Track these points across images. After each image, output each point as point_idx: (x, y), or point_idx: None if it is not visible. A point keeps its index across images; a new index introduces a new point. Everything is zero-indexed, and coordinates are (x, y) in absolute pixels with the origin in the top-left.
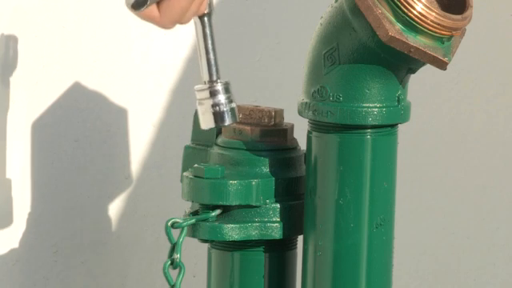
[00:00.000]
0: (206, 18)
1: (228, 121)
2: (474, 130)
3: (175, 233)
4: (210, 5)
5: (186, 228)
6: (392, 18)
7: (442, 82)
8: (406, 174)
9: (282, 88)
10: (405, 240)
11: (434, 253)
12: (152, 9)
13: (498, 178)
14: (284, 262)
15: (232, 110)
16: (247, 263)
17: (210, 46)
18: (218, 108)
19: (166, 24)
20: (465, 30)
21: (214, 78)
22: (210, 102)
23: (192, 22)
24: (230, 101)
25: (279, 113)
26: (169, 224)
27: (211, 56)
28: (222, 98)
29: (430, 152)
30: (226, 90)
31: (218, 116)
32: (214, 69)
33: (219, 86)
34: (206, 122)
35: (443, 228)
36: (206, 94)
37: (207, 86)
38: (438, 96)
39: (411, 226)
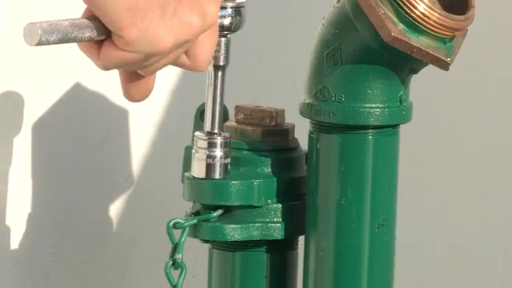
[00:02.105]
0: (220, 71)
1: (218, 175)
2: (474, 130)
3: (176, 233)
4: (227, 57)
5: (187, 228)
6: (394, 19)
7: (442, 82)
8: (405, 174)
9: (282, 88)
10: (405, 240)
11: (434, 253)
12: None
13: (498, 178)
14: (285, 262)
15: (225, 165)
16: (249, 263)
17: (218, 98)
18: (211, 161)
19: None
20: (466, 30)
21: (216, 130)
22: (206, 152)
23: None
24: (225, 156)
25: (280, 113)
26: (170, 224)
27: (217, 108)
28: (218, 152)
29: (430, 152)
30: (225, 144)
31: (210, 168)
32: (216, 121)
33: (218, 140)
34: (198, 170)
35: (443, 228)
36: (204, 144)
37: (207, 136)
38: (438, 96)
39: (411, 226)
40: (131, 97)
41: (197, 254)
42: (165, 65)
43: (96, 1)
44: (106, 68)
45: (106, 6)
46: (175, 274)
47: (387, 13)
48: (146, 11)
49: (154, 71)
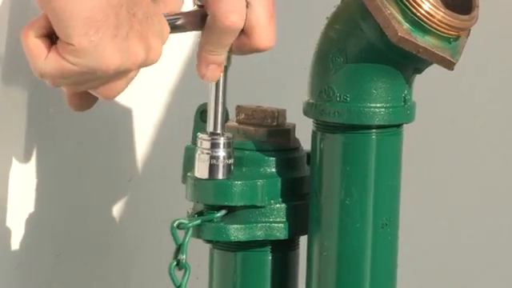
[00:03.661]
0: (222, 72)
1: (222, 176)
2: (476, 130)
3: (180, 234)
4: (230, 58)
5: (191, 229)
6: (400, 18)
7: (443, 81)
8: (407, 173)
9: (281, 88)
10: (407, 240)
11: (436, 253)
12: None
13: (500, 178)
14: (287, 262)
15: (228, 166)
16: (250, 263)
17: (220, 98)
18: (215, 161)
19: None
20: (470, 30)
21: (218, 131)
22: (209, 153)
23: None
24: (229, 156)
25: (282, 113)
26: (174, 225)
27: (219, 108)
28: (221, 152)
29: (432, 152)
30: (228, 144)
31: (213, 169)
32: (219, 121)
33: (221, 140)
34: (201, 171)
35: (445, 228)
36: (207, 144)
37: (210, 137)
38: (439, 96)
39: (414, 225)
40: (74, 107)
41: (200, 254)
42: (87, 88)
43: (54, 5)
44: (43, 73)
45: (64, 11)
46: (179, 274)
47: (393, 13)
48: (102, 25)
49: (78, 90)
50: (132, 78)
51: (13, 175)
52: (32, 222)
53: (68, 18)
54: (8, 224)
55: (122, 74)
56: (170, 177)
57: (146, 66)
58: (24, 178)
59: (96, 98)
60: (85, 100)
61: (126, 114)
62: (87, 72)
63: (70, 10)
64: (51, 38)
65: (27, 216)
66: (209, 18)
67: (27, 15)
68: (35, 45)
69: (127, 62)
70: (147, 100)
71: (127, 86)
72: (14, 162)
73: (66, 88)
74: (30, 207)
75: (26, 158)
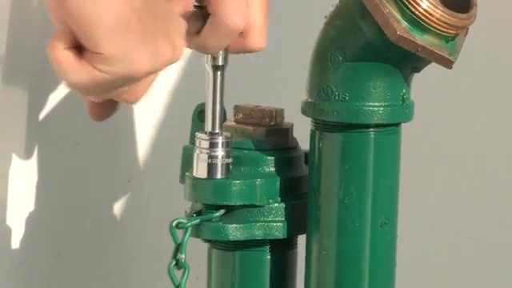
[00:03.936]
0: (219, 71)
1: (220, 175)
2: (475, 130)
3: (179, 233)
4: (226, 58)
5: (190, 228)
6: (399, 17)
7: (443, 81)
8: (406, 173)
9: (279, 88)
10: (407, 239)
11: (436, 252)
12: None
13: (500, 177)
14: (286, 262)
15: (227, 165)
16: (248, 263)
17: (218, 98)
18: (213, 161)
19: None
20: (468, 29)
21: (217, 130)
22: (208, 152)
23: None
24: (227, 156)
25: (280, 112)
26: (173, 224)
27: (217, 108)
28: (219, 152)
29: (431, 152)
30: (226, 144)
31: (211, 168)
32: (217, 121)
33: (219, 140)
34: (199, 171)
35: (445, 228)
36: (206, 144)
37: (208, 137)
38: (439, 96)
39: (413, 224)
40: (94, 115)
41: (200, 254)
42: (116, 94)
43: (78, 15)
44: (75, 84)
45: (89, 21)
46: (178, 274)
47: (392, 11)
48: (128, 30)
49: (106, 97)
50: (154, 79)
51: (13, 175)
52: (32, 222)
53: (94, 28)
54: (8, 224)
55: (151, 76)
56: (169, 177)
57: (171, 64)
58: (24, 177)
59: (116, 107)
60: (106, 109)
61: (125, 114)
62: (120, 78)
63: (95, 19)
64: (78, 48)
65: (27, 216)
66: (210, 18)
67: (27, 15)
68: (64, 57)
69: (156, 64)
70: (147, 100)
71: (150, 87)
72: (14, 161)
73: (93, 97)
74: (30, 207)
75: (25, 158)
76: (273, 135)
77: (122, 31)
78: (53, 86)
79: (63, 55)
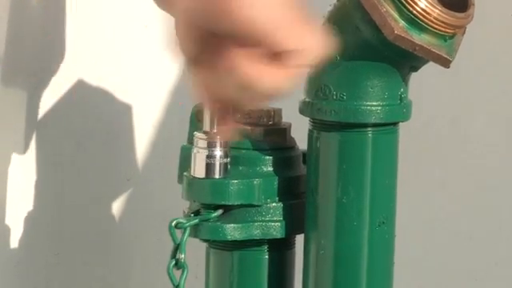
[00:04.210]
0: None
1: (218, 175)
2: (475, 130)
3: (178, 233)
4: None
5: (188, 228)
6: (396, 16)
7: (442, 81)
8: (405, 173)
9: None
10: (406, 239)
11: (435, 252)
12: None
13: (500, 177)
14: (284, 261)
15: (225, 165)
16: (247, 262)
17: None
18: (211, 160)
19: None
20: (465, 28)
21: (215, 130)
22: (206, 152)
23: None
24: (225, 155)
25: (278, 112)
26: (172, 224)
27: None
28: (217, 151)
29: (429, 151)
30: (224, 143)
31: (209, 168)
32: (215, 121)
33: (218, 139)
34: (197, 170)
35: (444, 228)
36: (204, 143)
37: (206, 136)
38: (438, 95)
39: (411, 224)
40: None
41: (199, 254)
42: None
43: (254, 21)
44: (281, 89)
45: (263, 22)
46: (177, 274)
47: (389, 10)
48: (292, 19)
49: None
50: None
51: (12, 174)
52: (31, 221)
53: (270, 27)
54: (7, 223)
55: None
56: (169, 176)
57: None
58: (23, 177)
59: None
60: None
61: (125, 113)
62: (307, 66)
63: (266, 18)
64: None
65: (26, 215)
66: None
67: (27, 15)
68: (259, 70)
69: (324, 45)
70: (147, 100)
71: None
72: (14, 160)
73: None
74: (30, 206)
75: (25, 158)
76: (271, 135)
77: (291, 21)
78: (52, 86)
79: (258, 69)
